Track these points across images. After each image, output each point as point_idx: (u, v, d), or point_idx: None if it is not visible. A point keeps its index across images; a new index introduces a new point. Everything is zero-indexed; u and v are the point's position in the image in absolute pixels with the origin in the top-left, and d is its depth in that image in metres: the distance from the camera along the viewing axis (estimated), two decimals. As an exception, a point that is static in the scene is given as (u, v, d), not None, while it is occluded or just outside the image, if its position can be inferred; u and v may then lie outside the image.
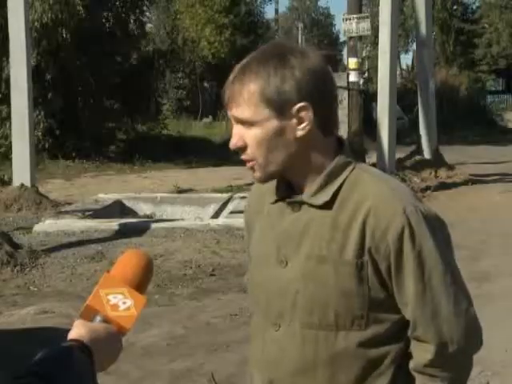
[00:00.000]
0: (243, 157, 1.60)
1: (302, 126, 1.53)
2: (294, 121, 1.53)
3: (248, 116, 1.54)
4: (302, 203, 1.62)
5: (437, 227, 1.58)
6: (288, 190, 1.65)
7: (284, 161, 1.57)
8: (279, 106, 1.52)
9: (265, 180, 1.62)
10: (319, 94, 1.55)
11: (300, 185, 1.63)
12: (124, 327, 1.32)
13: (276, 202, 1.67)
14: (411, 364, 1.60)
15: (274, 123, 1.53)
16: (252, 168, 1.60)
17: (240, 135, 1.57)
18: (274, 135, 1.54)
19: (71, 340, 1.25)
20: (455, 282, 1.59)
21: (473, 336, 1.61)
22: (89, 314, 1.32)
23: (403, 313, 1.58)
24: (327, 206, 1.59)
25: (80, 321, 1.31)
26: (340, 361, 1.59)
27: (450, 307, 1.56)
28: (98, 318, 1.31)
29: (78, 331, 1.27)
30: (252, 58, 1.57)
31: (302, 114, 1.53)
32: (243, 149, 1.58)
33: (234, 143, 1.58)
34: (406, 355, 1.61)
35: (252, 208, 1.80)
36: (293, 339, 1.62)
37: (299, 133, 1.54)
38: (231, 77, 1.56)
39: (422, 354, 1.58)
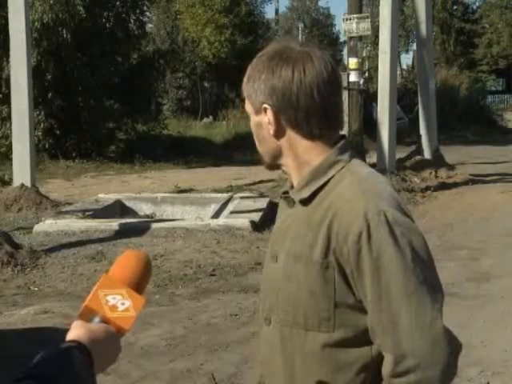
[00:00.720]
0: None
1: (270, 126, 1.63)
2: (266, 119, 1.63)
3: (246, 108, 1.70)
4: (293, 199, 1.67)
5: (403, 234, 1.51)
6: (292, 186, 1.71)
7: (270, 154, 1.67)
8: (254, 105, 1.65)
9: (267, 167, 1.73)
10: (288, 100, 1.59)
11: (295, 181, 1.68)
12: (123, 328, 1.32)
13: (280, 198, 1.74)
14: (382, 371, 1.55)
15: (255, 118, 1.67)
16: None
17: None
18: (256, 129, 1.68)
19: (70, 341, 1.25)
20: (419, 292, 1.49)
21: (439, 352, 1.49)
22: (87, 315, 1.32)
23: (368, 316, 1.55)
24: (305, 203, 1.62)
25: (78, 322, 1.31)
26: (311, 361, 1.59)
27: (410, 318, 1.48)
28: (97, 319, 1.31)
29: (76, 332, 1.27)
30: (260, 57, 1.67)
31: (268, 114, 1.62)
32: None
33: None
34: (379, 361, 1.55)
35: (279, 205, 1.86)
36: (277, 336, 1.64)
37: (271, 131, 1.63)
38: (245, 76, 1.70)
39: (385, 362, 1.53)
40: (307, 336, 1.58)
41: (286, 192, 1.70)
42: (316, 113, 1.59)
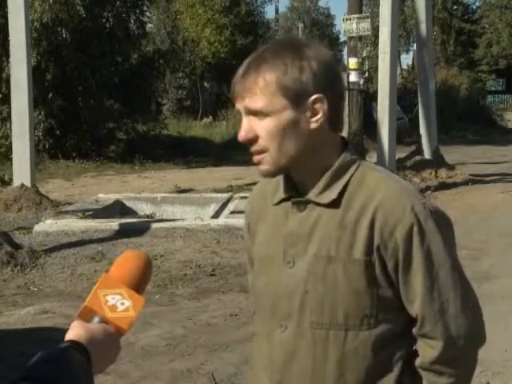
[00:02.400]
0: (253, 148, 1.56)
1: (316, 118, 1.53)
2: (308, 113, 1.52)
3: (263, 105, 1.51)
4: (307, 202, 1.61)
5: (443, 224, 1.58)
6: (292, 189, 1.64)
7: (295, 154, 1.54)
8: (296, 96, 1.51)
9: (272, 174, 1.59)
10: (333, 87, 1.55)
11: (305, 183, 1.61)
12: (122, 328, 1.31)
13: (279, 202, 1.65)
14: (417, 362, 1.60)
15: (289, 113, 1.51)
16: (259, 162, 1.57)
17: (250, 127, 1.55)
18: (288, 126, 1.52)
19: (68, 341, 1.24)
20: (461, 278, 1.59)
21: (479, 331, 1.62)
22: (87, 315, 1.31)
23: (408, 310, 1.58)
24: (334, 204, 1.58)
25: (77, 321, 1.30)
26: (349, 360, 1.58)
27: (457, 303, 1.56)
28: (96, 319, 1.30)
29: (75, 332, 1.27)
30: (265, 50, 1.56)
31: (317, 105, 1.52)
32: (253, 141, 1.55)
33: (242, 135, 1.56)
34: (411, 354, 1.62)
35: (255, 211, 1.76)
36: (302, 340, 1.60)
37: (313, 125, 1.53)
38: (242, 70, 1.54)
39: (429, 350, 1.58)
40: (347, 336, 1.57)
41: (292, 196, 1.62)
42: (343, 108, 1.61)
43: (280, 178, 1.64)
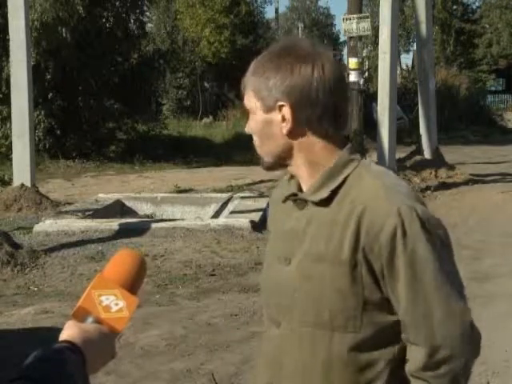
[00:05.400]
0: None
1: (284, 124, 1.59)
2: (279, 117, 1.59)
3: (247, 104, 1.65)
4: (305, 201, 1.63)
5: (432, 228, 1.54)
6: (298, 188, 1.68)
7: (276, 153, 1.63)
8: (267, 102, 1.60)
9: (267, 168, 1.68)
10: (307, 97, 1.57)
11: (303, 182, 1.65)
12: (116, 329, 1.31)
13: (286, 200, 1.69)
14: (406, 367, 1.57)
15: (264, 116, 1.61)
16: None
17: (248, 123, 1.67)
18: (263, 126, 1.62)
19: (62, 341, 1.24)
20: (449, 285, 1.53)
21: (468, 341, 1.55)
22: (81, 315, 1.31)
23: (397, 313, 1.57)
24: (325, 203, 1.60)
25: (72, 322, 1.30)
26: (335, 363, 1.58)
27: (442, 310, 1.52)
28: (90, 319, 1.30)
29: (69, 332, 1.27)
30: (266, 53, 1.65)
31: (284, 112, 1.58)
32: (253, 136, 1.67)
33: (246, 129, 1.69)
34: (401, 359, 1.59)
35: (273, 207, 1.83)
36: (291, 338, 1.62)
37: (284, 130, 1.60)
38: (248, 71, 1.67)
39: (414, 357, 1.55)
40: (333, 337, 1.57)
41: (293, 194, 1.67)
42: (331, 111, 1.59)
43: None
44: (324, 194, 1.59)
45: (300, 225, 1.63)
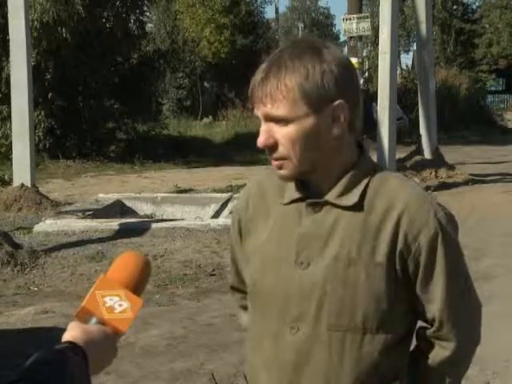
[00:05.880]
0: (273, 155, 1.53)
1: (338, 124, 1.51)
2: (330, 118, 1.50)
3: (285, 112, 1.48)
4: (324, 204, 1.58)
5: (456, 230, 1.64)
6: (304, 189, 1.61)
7: (318, 160, 1.53)
8: (318, 103, 1.48)
9: (292, 178, 1.58)
10: (353, 91, 1.53)
11: (321, 185, 1.59)
12: (120, 330, 1.31)
13: (291, 202, 1.62)
14: (425, 362, 1.65)
15: (311, 120, 1.49)
16: (280, 167, 1.55)
17: (270, 133, 1.51)
18: (310, 133, 1.49)
19: (65, 342, 1.24)
20: (470, 281, 1.66)
21: (479, 333, 1.69)
22: (84, 316, 1.31)
23: (426, 312, 1.61)
24: (356, 207, 1.57)
25: (75, 322, 1.30)
26: (365, 364, 1.58)
27: (470, 307, 1.64)
28: (94, 320, 1.30)
29: (72, 333, 1.27)
30: (284, 53, 1.51)
31: (339, 111, 1.49)
32: (273, 147, 1.52)
33: (262, 141, 1.52)
34: (416, 355, 1.68)
35: (251, 208, 1.72)
36: (317, 342, 1.58)
37: (335, 131, 1.51)
38: (262, 74, 1.50)
39: (440, 351, 1.63)
40: (364, 339, 1.57)
41: (305, 197, 1.60)
42: (361, 108, 1.60)
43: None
44: (355, 198, 1.56)
45: (321, 228, 1.58)
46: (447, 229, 1.57)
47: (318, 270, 1.57)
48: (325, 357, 1.58)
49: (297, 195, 1.61)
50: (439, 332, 1.62)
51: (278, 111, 1.48)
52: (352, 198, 1.56)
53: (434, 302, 1.59)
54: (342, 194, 1.57)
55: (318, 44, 1.52)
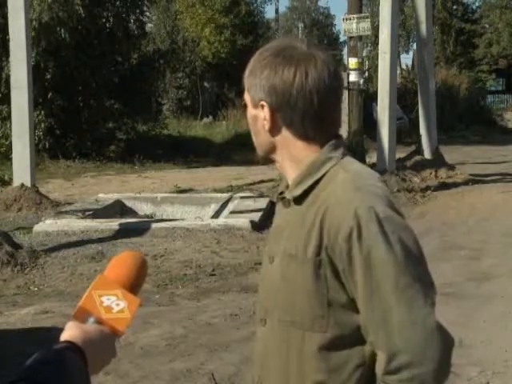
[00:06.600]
0: None
1: (265, 122, 1.63)
2: (262, 114, 1.63)
3: (245, 98, 1.68)
4: (288, 199, 1.66)
5: (393, 230, 1.50)
6: (287, 186, 1.70)
7: (263, 147, 1.67)
8: (253, 98, 1.65)
9: (260, 160, 1.73)
10: (286, 101, 1.59)
11: (289, 180, 1.68)
12: (117, 329, 1.31)
13: (277, 198, 1.72)
14: (376, 370, 1.56)
15: (251, 110, 1.67)
16: None
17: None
18: (252, 121, 1.67)
19: (63, 342, 1.24)
20: (411, 289, 1.48)
21: (433, 349, 1.48)
22: (82, 316, 1.31)
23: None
24: (299, 201, 1.61)
25: (73, 322, 1.30)
26: (308, 362, 1.58)
27: (402, 314, 1.47)
28: (91, 320, 1.30)
29: (70, 333, 1.27)
30: (262, 49, 1.68)
31: (265, 111, 1.62)
32: None
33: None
34: (373, 361, 1.55)
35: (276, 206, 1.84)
36: (274, 337, 1.64)
37: (266, 127, 1.63)
38: None
39: (379, 360, 1.52)
40: (304, 336, 1.58)
41: (282, 192, 1.69)
42: (313, 117, 1.59)
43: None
44: (298, 191, 1.61)
45: (283, 224, 1.66)
46: (366, 228, 1.48)
47: (275, 265, 1.64)
48: (278, 352, 1.63)
49: (278, 191, 1.72)
50: (368, 338, 1.53)
51: (245, 97, 1.71)
52: (296, 191, 1.62)
53: (360, 305, 1.52)
54: (293, 188, 1.63)
55: (279, 49, 1.67)
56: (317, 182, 1.60)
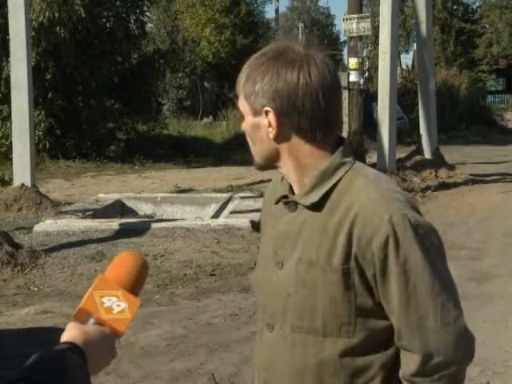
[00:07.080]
0: None
1: (270, 129, 1.58)
2: (266, 122, 1.58)
3: (240, 106, 1.64)
4: (297, 203, 1.62)
5: (426, 235, 1.54)
6: (290, 190, 1.66)
7: (264, 155, 1.63)
8: (253, 105, 1.59)
9: (258, 168, 1.68)
10: (292, 104, 1.56)
11: (294, 184, 1.64)
12: (118, 330, 1.31)
13: (278, 202, 1.68)
14: (400, 372, 1.57)
15: (251, 119, 1.62)
16: None
17: (243, 123, 1.67)
18: (252, 130, 1.62)
19: (64, 342, 1.24)
20: (444, 292, 1.53)
21: (462, 348, 1.55)
22: (82, 317, 1.31)
23: (391, 320, 1.56)
24: (317, 207, 1.59)
25: (73, 323, 1.30)
26: (327, 367, 1.58)
27: (436, 318, 1.52)
28: (92, 321, 1.30)
29: (71, 333, 1.27)
30: (255, 55, 1.63)
31: (270, 117, 1.57)
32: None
33: (242, 127, 1.69)
34: (395, 363, 1.58)
35: (265, 208, 1.81)
36: (284, 342, 1.62)
37: (270, 134, 1.59)
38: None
39: (408, 363, 1.55)
40: (325, 342, 1.57)
41: (285, 196, 1.66)
42: (319, 117, 1.57)
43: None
44: (315, 197, 1.58)
45: (292, 228, 1.62)
46: (402, 235, 1.50)
47: (287, 270, 1.61)
48: (290, 357, 1.61)
49: (280, 194, 1.68)
50: (400, 342, 1.55)
51: (239, 105, 1.68)
52: (313, 197, 1.59)
53: (394, 311, 1.53)
54: (308, 193, 1.60)
55: (277, 53, 1.63)
56: (333, 188, 1.58)
